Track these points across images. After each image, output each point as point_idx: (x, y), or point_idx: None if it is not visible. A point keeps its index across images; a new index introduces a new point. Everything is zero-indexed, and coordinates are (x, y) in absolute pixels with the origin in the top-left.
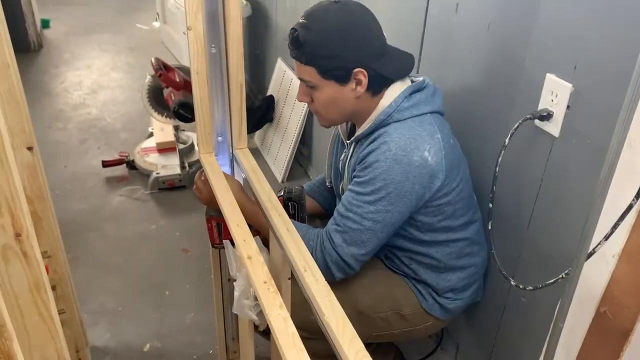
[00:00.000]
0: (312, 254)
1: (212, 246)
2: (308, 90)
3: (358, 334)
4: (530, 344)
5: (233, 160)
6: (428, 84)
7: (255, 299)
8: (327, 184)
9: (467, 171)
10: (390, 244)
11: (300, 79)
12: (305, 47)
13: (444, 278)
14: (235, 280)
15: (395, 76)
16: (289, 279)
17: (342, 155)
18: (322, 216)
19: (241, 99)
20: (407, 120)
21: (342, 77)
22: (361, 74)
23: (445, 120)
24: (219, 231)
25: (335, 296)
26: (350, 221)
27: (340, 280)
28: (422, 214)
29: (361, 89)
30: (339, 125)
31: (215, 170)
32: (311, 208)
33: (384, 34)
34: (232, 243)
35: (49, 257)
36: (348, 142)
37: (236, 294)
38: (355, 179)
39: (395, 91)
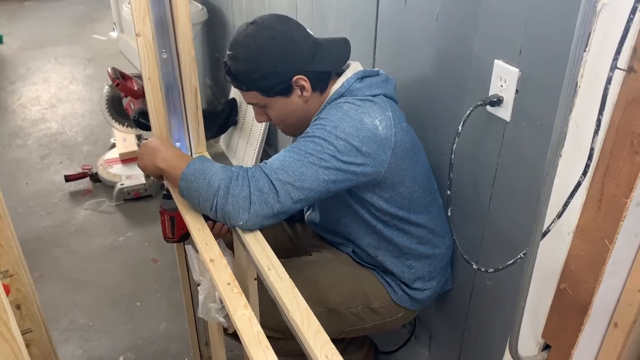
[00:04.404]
0: (223, 186)
1: (165, 240)
2: (261, 110)
3: (330, 330)
4: (499, 325)
5: None
6: (381, 72)
7: (221, 301)
8: None
9: (425, 159)
10: (354, 239)
11: (249, 103)
12: (240, 77)
13: (409, 265)
14: (199, 284)
15: (334, 67)
16: (255, 279)
17: None
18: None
19: (196, 103)
20: (359, 97)
21: (285, 90)
22: (301, 80)
23: (398, 108)
24: (172, 225)
25: (305, 295)
26: (290, 153)
27: (254, 215)
28: (382, 200)
29: (307, 93)
30: None
31: None
32: None
33: (310, 32)
34: (194, 247)
35: (11, 276)
36: None
37: (200, 297)
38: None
39: (346, 76)
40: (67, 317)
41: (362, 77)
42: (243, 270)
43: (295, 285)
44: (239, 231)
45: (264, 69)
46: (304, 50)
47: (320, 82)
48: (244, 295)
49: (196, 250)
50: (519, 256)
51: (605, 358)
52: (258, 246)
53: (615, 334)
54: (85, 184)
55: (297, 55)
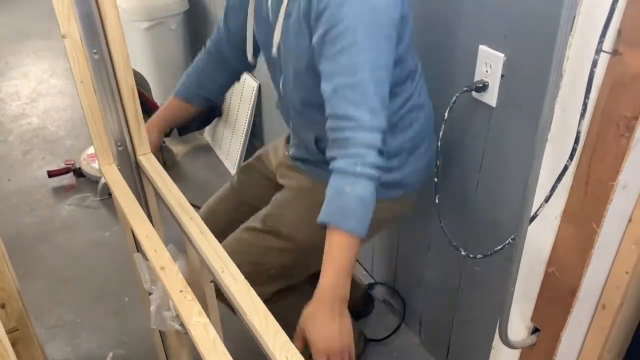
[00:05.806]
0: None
1: None
2: None
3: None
4: (488, 310)
5: (137, 167)
6: None
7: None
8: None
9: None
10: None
11: None
12: None
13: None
14: (151, 294)
15: None
16: (211, 281)
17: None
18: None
19: (135, 103)
20: None
21: None
22: None
23: None
24: None
25: (297, 217)
26: (343, 76)
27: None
28: None
29: None
30: None
31: (117, 181)
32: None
33: None
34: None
35: None
36: None
37: (152, 307)
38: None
39: None
40: (54, 314)
41: None
42: (197, 274)
43: (291, 210)
44: (190, 234)
45: None
46: None
47: None
48: (197, 302)
49: (145, 259)
50: (507, 241)
51: (594, 340)
52: (210, 249)
53: (603, 315)
54: (68, 179)
55: None
